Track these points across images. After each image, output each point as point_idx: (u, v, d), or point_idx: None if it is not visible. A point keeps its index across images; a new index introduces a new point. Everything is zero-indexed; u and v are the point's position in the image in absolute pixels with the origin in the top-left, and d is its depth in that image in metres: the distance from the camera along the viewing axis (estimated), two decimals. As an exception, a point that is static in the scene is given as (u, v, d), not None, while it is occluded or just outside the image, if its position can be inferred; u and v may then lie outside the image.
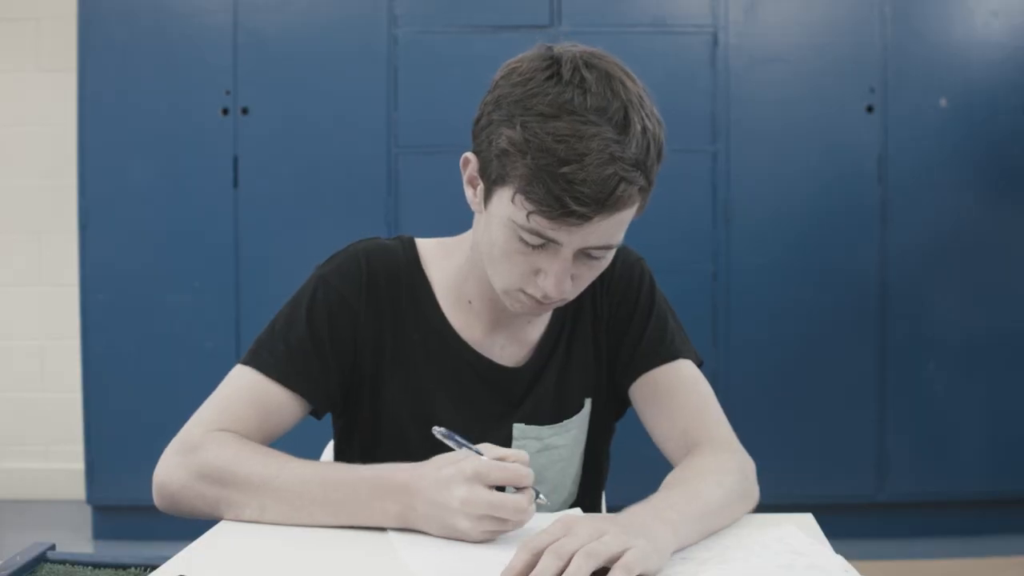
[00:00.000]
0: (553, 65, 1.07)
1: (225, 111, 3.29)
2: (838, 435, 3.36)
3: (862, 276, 3.35)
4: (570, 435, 1.29)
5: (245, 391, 1.18)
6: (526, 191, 1.04)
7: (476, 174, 1.14)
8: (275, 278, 3.24)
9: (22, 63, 3.87)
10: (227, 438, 1.13)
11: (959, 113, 3.33)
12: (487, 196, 1.12)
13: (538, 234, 1.07)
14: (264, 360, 1.19)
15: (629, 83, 1.07)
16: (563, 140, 1.02)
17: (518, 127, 1.04)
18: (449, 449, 1.05)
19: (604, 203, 1.03)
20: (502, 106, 1.07)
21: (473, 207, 1.17)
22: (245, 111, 3.28)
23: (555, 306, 1.18)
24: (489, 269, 1.16)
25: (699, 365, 1.29)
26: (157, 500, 1.14)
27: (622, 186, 1.03)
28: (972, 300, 3.37)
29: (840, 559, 0.95)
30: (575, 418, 1.29)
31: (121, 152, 3.30)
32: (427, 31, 3.29)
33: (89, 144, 3.29)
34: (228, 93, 3.28)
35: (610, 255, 1.14)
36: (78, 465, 3.56)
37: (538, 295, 1.12)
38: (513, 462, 1.00)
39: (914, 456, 3.37)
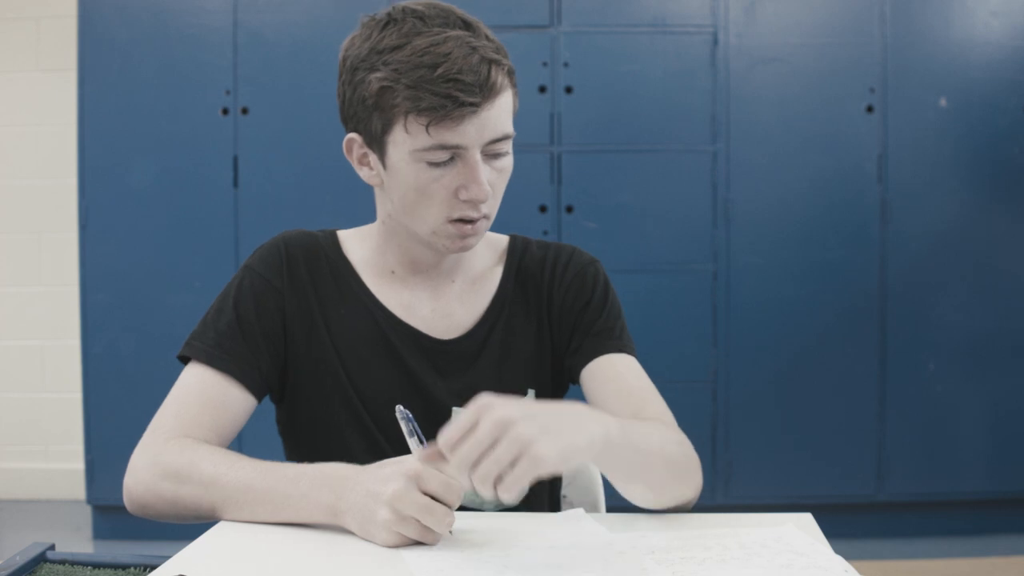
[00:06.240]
0: (382, 18, 1.16)
1: (225, 111, 3.29)
2: (838, 435, 3.36)
3: (862, 276, 3.35)
4: None
5: (193, 388, 1.22)
6: (416, 109, 1.11)
7: (364, 148, 1.21)
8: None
9: (22, 63, 3.87)
10: (184, 443, 1.16)
11: (959, 113, 3.33)
12: (382, 155, 1.18)
13: (443, 146, 1.12)
14: (196, 348, 1.24)
15: (460, 11, 1.17)
16: (425, 52, 1.10)
17: (381, 67, 1.12)
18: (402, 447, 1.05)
19: (485, 86, 1.11)
20: (356, 69, 1.16)
21: (373, 182, 1.24)
22: (245, 111, 3.28)
23: (478, 236, 1.20)
24: (412, 220, 1.20)
25: None
26: (126, 504, 1.18)
27: (493, 69, 1.12)
28: (972, 300, 3.37)
29: (840, 559, 0.95)
30: None
31: (121, 152, 3.30)
32: (427, 31, 3.29)
33: (89, 144, 3.29)
34: (228, 93, 3.28)
35: (510, 154, 1.19)
36: (78, 465, 3.56)
37: (469, 211, 1.17)
38: (453, 471, 0.94)
39: (914, 456, 3.37)
